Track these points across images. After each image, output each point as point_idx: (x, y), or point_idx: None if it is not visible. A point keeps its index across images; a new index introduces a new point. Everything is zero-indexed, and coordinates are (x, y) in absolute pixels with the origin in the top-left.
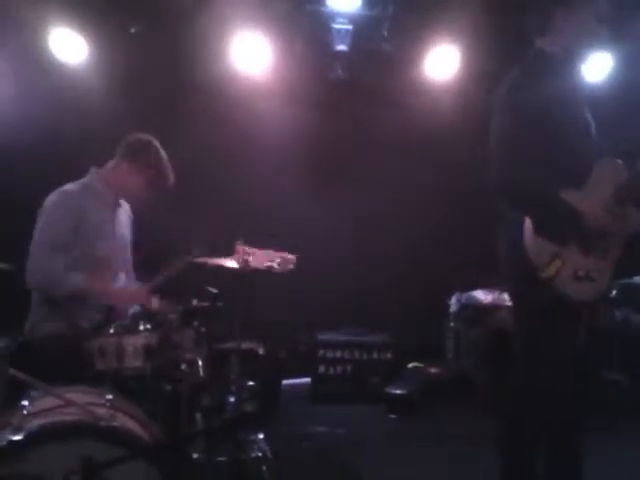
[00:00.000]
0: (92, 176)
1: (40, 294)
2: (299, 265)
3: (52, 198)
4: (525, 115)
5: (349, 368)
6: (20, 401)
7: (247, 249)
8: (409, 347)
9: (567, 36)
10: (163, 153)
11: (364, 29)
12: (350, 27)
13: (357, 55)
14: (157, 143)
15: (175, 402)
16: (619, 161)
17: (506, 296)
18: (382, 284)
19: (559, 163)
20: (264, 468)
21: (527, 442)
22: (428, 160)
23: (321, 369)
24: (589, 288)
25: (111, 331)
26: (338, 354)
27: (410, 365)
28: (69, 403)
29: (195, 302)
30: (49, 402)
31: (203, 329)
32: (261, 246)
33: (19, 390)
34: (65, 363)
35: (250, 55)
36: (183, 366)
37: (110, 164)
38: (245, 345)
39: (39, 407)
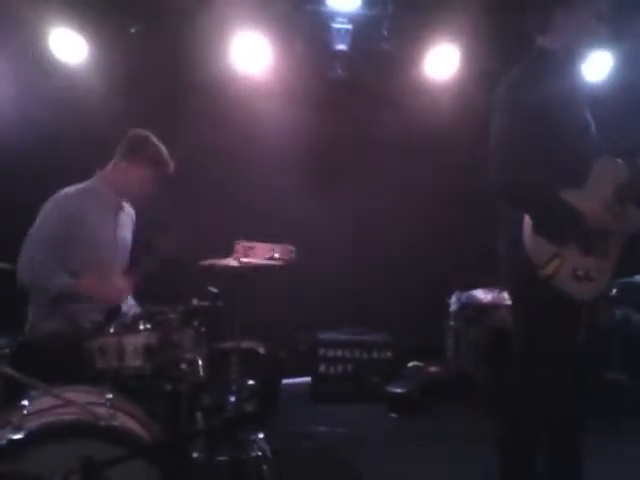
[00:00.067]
0: (94, 179)
1: (32, 293)
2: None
3: (49, 200)
4: (525, 115)
5: (349, 367)
6: (20, 400)
7: (247, 244)
8: (409, 346)
9: (567, 35)
10: (162, 146)
11: (364, 29)
12: (350, 27)
13: (357, 55)
14: (155, 138)
15: (175, 401)
16: (619, 160)
17: (506, 295)
18: (382, 284)
19: (559, 163)
20: (264, 467)
21: (526, 441)
22: (428, 160)
23: (321, 368)
24: (588, 287)
25: (111, 330)
26: (338, 353)
27: (410, 364)
28: (69, 402)
29: (195, 302)
30: (49, 402)
31: (203, 329)
32: None
33: (19, 389)
34: (65, 362)
35: (250, 55)
36: (183, 365)
37: (111, 164)
38: (245, 344)
39: (39, 406)
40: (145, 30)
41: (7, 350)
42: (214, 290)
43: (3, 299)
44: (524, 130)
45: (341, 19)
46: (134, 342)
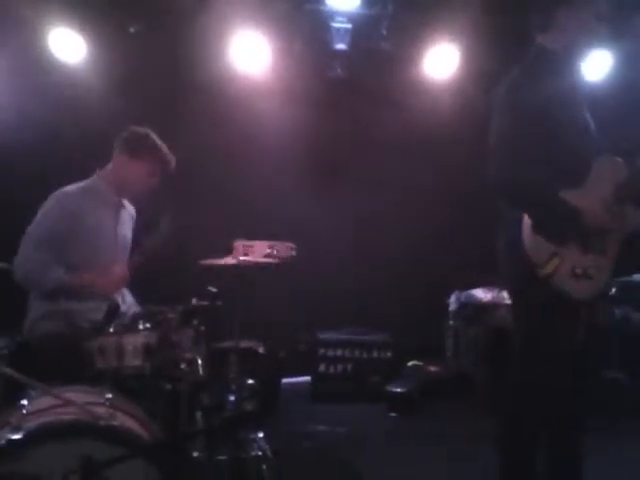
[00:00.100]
0: (94, 177)
1: (27, 289)
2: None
3: (50, 199)
4: (525, 114)
5: (349, 367)
6: (19, 400)
7: (246, 242)
8: (409, 346)
9: (568, 34)
10: (161, 142)
11: (363, 28)
12: (349, 26)
13: (356, 54)
14: (154, 135)
15: (175, 401)
16: (618, 159)
17: (505, 294)
18: (382, 284)
19: (559, 162)
20: (264, 467)
21: (526, 440)
22: (428, 160)
23: (321, 368)
24: (587, 286)
25: (111, 330)
26: (338, 353)
27: (410, 364)
28: (68, 402)
29: (194, 301)
30: (48, 401)
31: (203, 328)
32: None
33: (18, 389)
34: (64, 362)
35: (250, 55)
36: (183, 365)
37: (110, 163)
38: (245, 344)
39: (38, 406)
40: (145, 30)
41: (6, 350)
42: (213, 289)
43: (2, 298)
44: (524, 130)
45: (340, 18)
46: (133, 342)
